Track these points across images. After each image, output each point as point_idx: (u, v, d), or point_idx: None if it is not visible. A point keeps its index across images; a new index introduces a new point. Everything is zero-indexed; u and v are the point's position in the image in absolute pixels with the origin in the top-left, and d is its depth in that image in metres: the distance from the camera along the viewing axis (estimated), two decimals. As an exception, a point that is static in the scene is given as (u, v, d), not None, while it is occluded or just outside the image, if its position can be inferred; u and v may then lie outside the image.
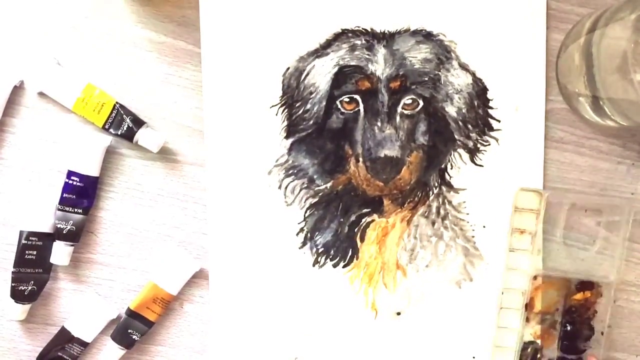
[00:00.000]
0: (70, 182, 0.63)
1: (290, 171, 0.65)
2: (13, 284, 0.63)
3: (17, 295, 0.63)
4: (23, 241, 0.63)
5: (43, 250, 0.64)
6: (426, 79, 0.64)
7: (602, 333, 0.65)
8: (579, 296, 0.65)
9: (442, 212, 0.65)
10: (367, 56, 0.63)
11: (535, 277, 0.65)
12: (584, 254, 0.65)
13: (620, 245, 0.65)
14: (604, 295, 0.65)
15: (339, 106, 0.64)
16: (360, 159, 0.63)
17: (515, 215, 0.65)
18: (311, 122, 0.64)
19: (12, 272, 0.63)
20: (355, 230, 0.65)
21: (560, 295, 0.65)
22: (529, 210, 0.65)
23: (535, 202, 0.65)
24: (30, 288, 0.64)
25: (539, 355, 0.65)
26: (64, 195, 0.64)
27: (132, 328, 0.64)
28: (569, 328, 0.65)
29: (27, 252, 0.63)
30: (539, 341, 0.65)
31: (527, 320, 0.65)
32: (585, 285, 0.65)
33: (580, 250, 0.65)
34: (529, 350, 0.65)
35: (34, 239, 0.63)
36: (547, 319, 0.65)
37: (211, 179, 0.65)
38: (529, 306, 0.65)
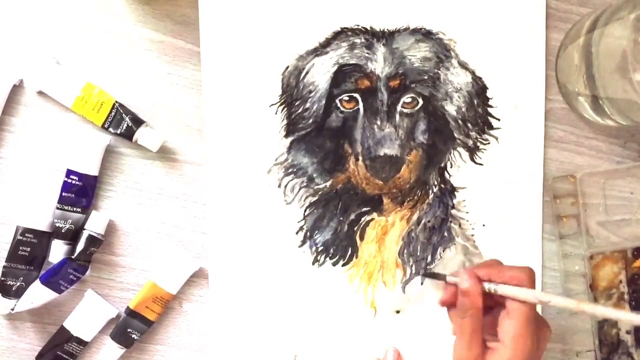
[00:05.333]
0: (69, 181, 0.63)
1: (290, 170, 0.65)
2: (2, 278, 0.63)
3: (5, 290, 0.63)
4: (18, 237, 0.63)
5: (37, 248, 0.63)
6: (426, 77, 0.64)
7: None
8: (638, 263, 0.65)
9: (441, 210, 0.65)
10: (366, 55, 0.63)
11: (591, 257, 0.65)
12: (629, 222, 0.66)
13: None
14: None
15: (339, 105, 0.64)
16: (360, 158, 0.63)
17: (556, 204, 0.65)
18: (310, 120, 0.64)
19: (3, 266, 0.63)
20: (355, 228, 0.65)
21: (620, 267, 0.65)
22: (567, 195, 0.65)
23: (571, 186, 0.65)
24: (18, 284, 0.63)
25: (615, 330, 0.65)
26: (62, 194, 0.63)
27: (132, 327, 0.64)
28: (637, 295, 0.65)
29: (20, 248, 0.63)
30: None
31: (595, 300, 0.65)
32: None
33: (625, 219, 0.66)
34: (605, 327, 0.65)
35: (29, 235, 0.63)
36: (614, 293, 0.65)
37: (211, 178, 0.65)
38: (593, 287, 0.65)
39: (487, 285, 0.54)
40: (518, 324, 0.53)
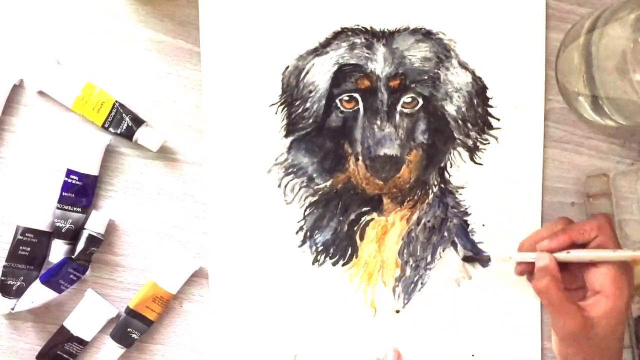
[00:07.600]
0: (70, 180, 0.63)
1: (290, 170, 0.65)
2: (2, 278, 0.63)
3: (5, 290, 0.63)
4: (18, 236, 0.63)
5: (37, 248, 0.64)
6: (426, 77, 0.64)
7: None
8: None
9: (441, 210, 0.65)
10: (366, 55, 0.63)
11: None
12: None
13: None
14: None
15: (339, 105, 0.64)
16: (360, 158, 0.63)
17: (590, 203, 0.65)
18: (310, 120, 0.64)
19: (4, 265, 0.63)
20: (355, 228, 0.65)
21: None
22: (601, 194, 0.65)
23: (604, 185, 0.65)
24: (18, 284, 0.64)
25: None
26: (63, 194, 0.64)
27: (132, 327, 0.64)
28: None
29: (21, 247, 0.63)
30: None
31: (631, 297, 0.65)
32: None
33: None
34: None
35: (29, 235, 0.63)
36: None
37: (211, 178, 0.65)
38: None
39: (559, 256, 0.56)
40: (613, 271, 0.54)
